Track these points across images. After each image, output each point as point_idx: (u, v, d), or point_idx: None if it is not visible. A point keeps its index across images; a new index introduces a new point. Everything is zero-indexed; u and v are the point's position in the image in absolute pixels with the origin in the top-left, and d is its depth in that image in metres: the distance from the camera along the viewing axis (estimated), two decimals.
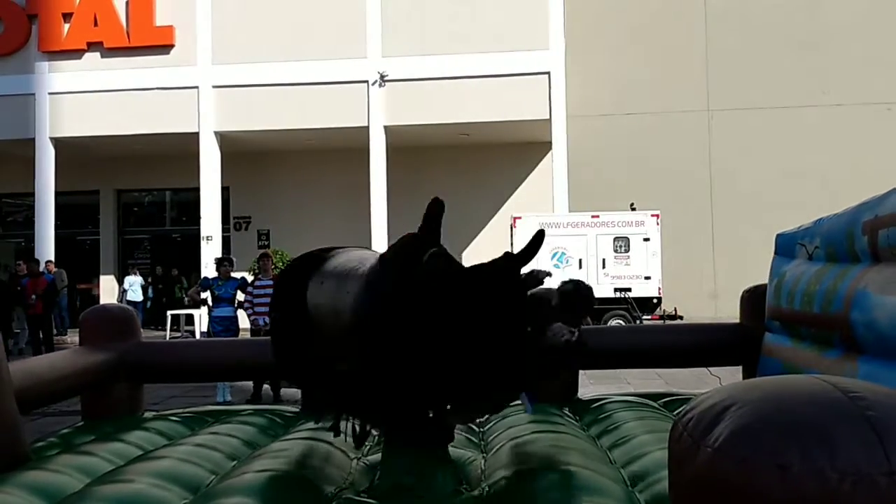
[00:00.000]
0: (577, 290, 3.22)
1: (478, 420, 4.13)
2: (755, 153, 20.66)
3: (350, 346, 3.15)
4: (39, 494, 3.07)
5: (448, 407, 3.22)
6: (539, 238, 2.89)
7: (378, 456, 3.51)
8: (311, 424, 3.98)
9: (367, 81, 17.79)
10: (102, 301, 20.47)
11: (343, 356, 3.20)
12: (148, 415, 4.96)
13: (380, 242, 16.88)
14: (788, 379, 1.61)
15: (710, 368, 5.76)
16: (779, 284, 4.44)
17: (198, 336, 15.15)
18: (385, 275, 3.05)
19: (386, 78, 17.66)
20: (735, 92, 20.83)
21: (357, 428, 3.52)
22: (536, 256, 2.99)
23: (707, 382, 7.68)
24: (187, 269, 20.42)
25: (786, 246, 4.63)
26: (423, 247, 3.08)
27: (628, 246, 16.63)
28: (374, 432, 3.69)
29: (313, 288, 3.45)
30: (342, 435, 3.61)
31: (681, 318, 16.55)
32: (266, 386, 9.90)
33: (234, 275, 10.52)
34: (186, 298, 15.14)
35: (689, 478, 1.48)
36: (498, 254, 3.20)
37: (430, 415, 3.28)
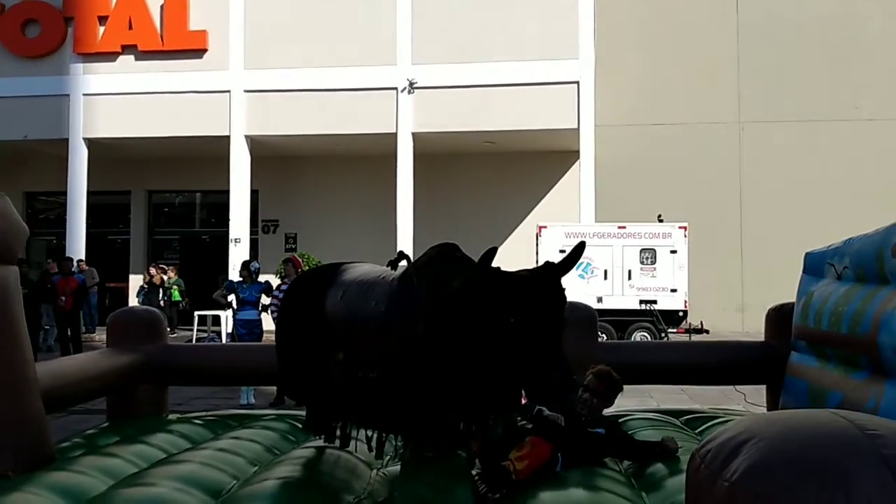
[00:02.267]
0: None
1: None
2: (786, 166, 20.41)
3: (380, 354, 3.18)
4: (64, 495, 3.12)
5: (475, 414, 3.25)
6: (580, 249, 3.01)
7: (397, 467, 3.52)
8: None
9: (396, 88, 17.86)
10: (131, 300, 20.70)
11: (371, 365, 3.23)
12: (171, 417, 5.02)
13: (405, 249, 16.89)
14: (806, 414, 1.61)
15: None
16: (806, 304, 4.39)
17: (223, 337, 15.30)
18: (420, 285, 3.11)
19: (415, 85, 17.71)
20: (767, 104, 20.59)
21: (374, 437, 3.54)
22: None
23: (731, 398, 7.62)
24: (191, 271, 20.45)
25: (814, 265, 4.58)
26: (453, 255, 3.14)
27: (655, 258, 16.47)
28: (393, 442, 3.71)
29: (332, 298, 3.49)
30: (356, 444, 3.63)
31: (707, 331, 16.35)
32: None
33: (259, 278, 10.60)
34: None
35: None
36: (523, 263, 3.24)
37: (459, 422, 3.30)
